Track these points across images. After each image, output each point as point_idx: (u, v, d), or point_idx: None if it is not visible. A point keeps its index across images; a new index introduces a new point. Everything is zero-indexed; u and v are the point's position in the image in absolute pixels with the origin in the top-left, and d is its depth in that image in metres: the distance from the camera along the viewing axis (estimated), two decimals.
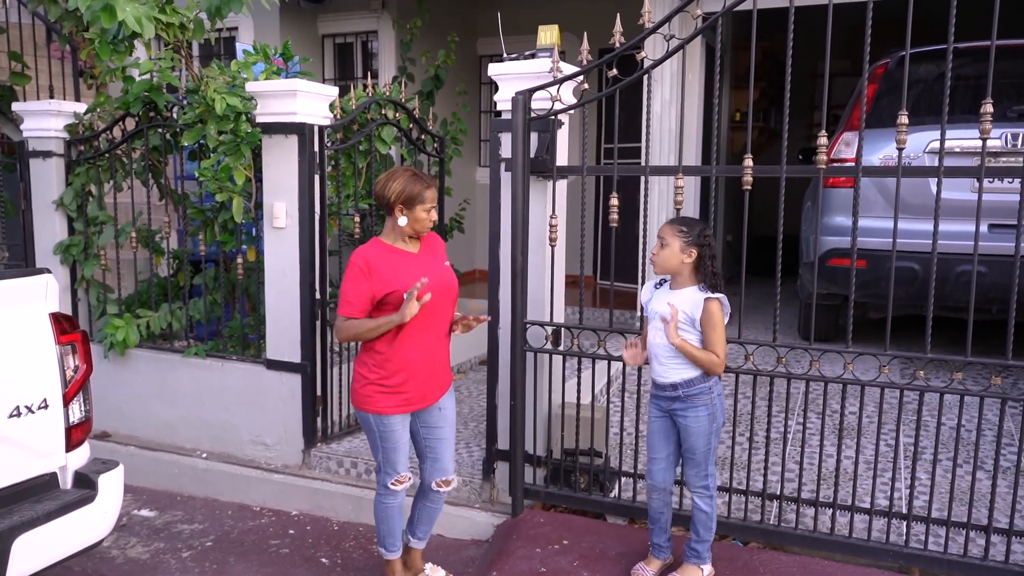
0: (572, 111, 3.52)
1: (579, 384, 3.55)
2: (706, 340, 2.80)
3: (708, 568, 2.99)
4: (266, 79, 4.42)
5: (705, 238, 2.81)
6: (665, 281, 2.94)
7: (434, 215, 2.93)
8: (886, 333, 3.06)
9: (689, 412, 2.85)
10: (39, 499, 2.67)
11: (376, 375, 2.91)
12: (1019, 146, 4.13)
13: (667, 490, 2.99)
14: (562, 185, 3.69)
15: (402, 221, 2.88)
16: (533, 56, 3.55)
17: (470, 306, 6.45)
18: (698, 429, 2.85)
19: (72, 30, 4.83)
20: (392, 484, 3.02)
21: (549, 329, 3.57)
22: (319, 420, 4.30)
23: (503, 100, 3.54)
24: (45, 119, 4.81)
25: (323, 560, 3.67)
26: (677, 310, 2.78)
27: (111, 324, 4.63)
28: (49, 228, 4.93)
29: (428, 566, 3.30)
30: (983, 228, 4.07)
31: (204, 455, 4.53)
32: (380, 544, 3.16)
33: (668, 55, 3.18)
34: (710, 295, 2.78)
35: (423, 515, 3.19)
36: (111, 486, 2.85)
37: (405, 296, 2.77)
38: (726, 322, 2.81)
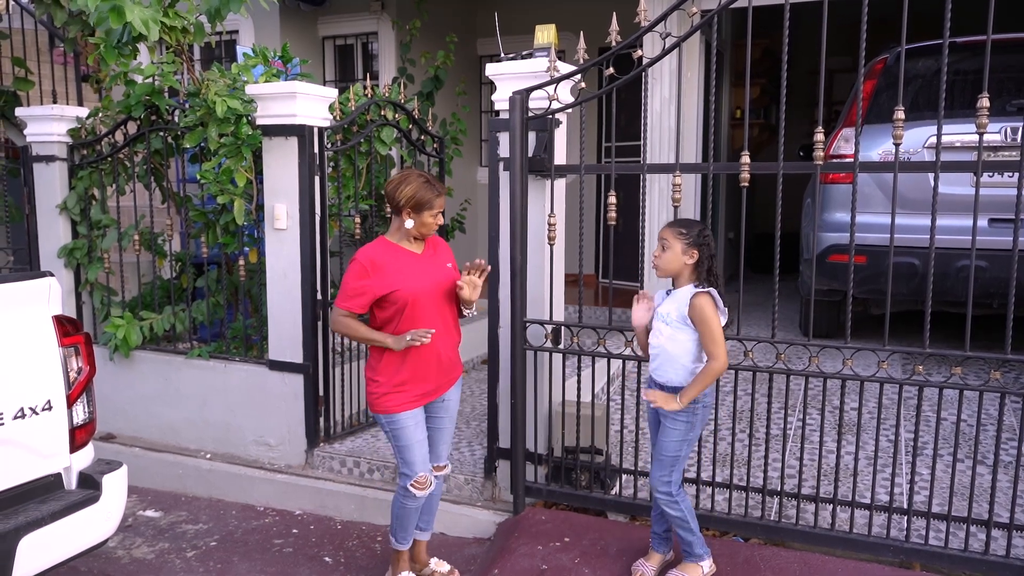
0: (569, 110, 3.53)
1: (579, 382, 3.56)
2: (700, 338, 2.80)
3: (708, 564, 3.00)
4: (266, 81, 4.45)
5: (705, 238, 2.82)
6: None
7: (440, 219, 3.02)
8: (885, 328, 3.07)
9: (668, 414, 2.86)
10: (44, 500, 2.69)
11: (383, 376, 2.99)
12: (1018, 140, 4.13)
13: None
14: (561, 184, 3.70)
15: (408, 224, 2.95)
16: (530, 56, 3.57)
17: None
18: (673, 431, 2.86)
19: (79, 34, 4.86)
20: (412, 486, 3.03)
21: (549, 328, 3.59)
22: (321, 420, 4.32)
23: (501, 100, 3.56)
24: (48, 124, 4.84)
25: (326, 559, 3.69)
26: (657, 395, 2.84)
27: (112, 323, 4.65)
28: (53, 232, 4.96)
29: (434, 560, 3.33)
30: (983, 222, 4.09)
31: (208, 456, 4.55)
32: (392, 535, 3.21)
33: (664, 53, 3.19)
34: (697, 290, 2.78)
35: (423, 504, 3.21)
36: (115, 486, 2.87)
37: (409, 337, 2.87)
38: (724, 322, 2.81)
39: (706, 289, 2.78)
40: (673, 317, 2.82)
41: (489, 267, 3.05)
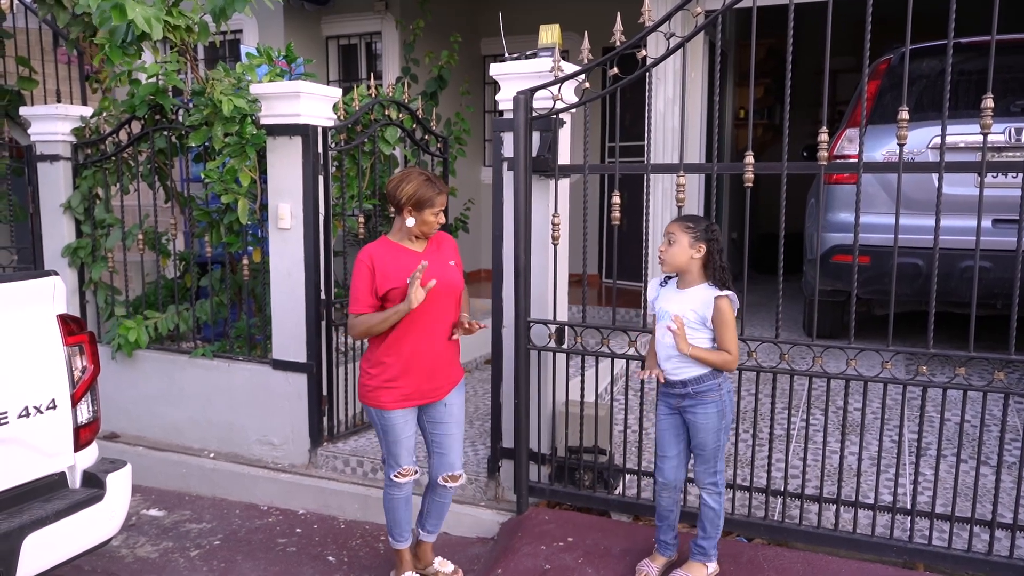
0: (573, 110, 3.53)
1: (583, 382, 3.56)
2: (718, 338, 2.81)
3: (713, 565, 3.00)
4: (270, 81, 4.45)
5: (712, 233, 2.82)
6: (671, 278, 2.95)
7: (441, 218, 3.02)
8: (889, 329, 3.06)
9: (699, 409, 2.85)
10: (48, 498, 2.69)
11: (377, 370, 2.99)
12: (1022, 141, 4.12)
13: (677, 488, 3.00)
14: (565, 184, 3.70)
15: (410, 222, 2.95)
16: (534, 55, 3.56)
17: (474, 305, 6.45)
18: (707, 425, 2.86)
19: (80, 35, 4.87)
20: (395, 476, 3.09)
21: (552, 327, 3.59)
22: (325, 420, 4.32)
23: (505, 100, 3.56)
24: (52, 123, 4.85)
25: (330, 558, 3.69)
26: (683, 321, 2.80)
27: (123, 325, 4.66)
28: (57, 231, 4.97)
29: (438, 560, 3.34)
30: (987, 223, 4.08)
31: (212, 455, 4.56)
32: (389, 533, 3.23)
33: (668, 53, 3.19)
34: (720, 293, 2.78)
35: (432, 509, 3.24)
36: (119, 485, 2.88)
37: (408, 281, 2.84)
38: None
39: (726, 293, 2.78)
40: (692, 319, 2.82)
41: (484, 326, 3.12)
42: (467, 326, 3.03)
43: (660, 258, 2.89)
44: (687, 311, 2.83)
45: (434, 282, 2.87)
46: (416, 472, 3.12)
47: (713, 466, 2.90)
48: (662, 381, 2.94)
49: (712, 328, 2.82)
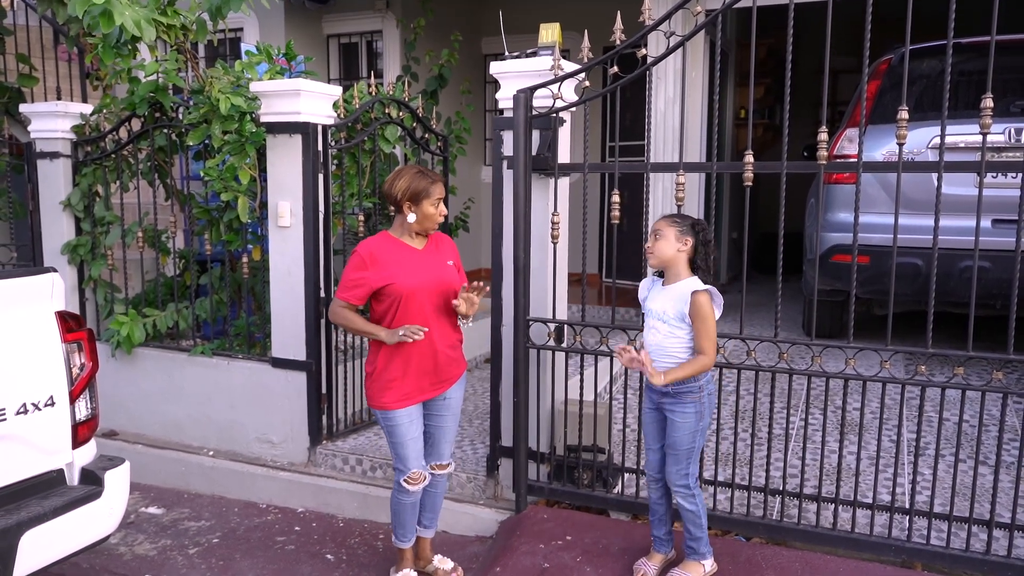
0: (573, 109, 3.54)
1: (582, 381, 3.56)
2: (694, 333, 2.80)
3: (710, 563, 3.00)
4: (270, 79, 4.45)
5: (699, 227, 2.86)
6: (662, 275, 2.96)
7: (443, 209, 3.01)
8: (888, 329, 3.07)
9: (676, 408, 2.87)
10: (46, 495, 2.69)
11: (378, 371, 3.00)
12: (1022, 141, 4.12)
13: (663, 480, 3.01)
14: (565, 183, 3.70)
15: (411, 218, 2.96)
16: (535, 54, 3.56)
17: None
18: (684, 425, 2.86)
19: (80, 32, 4.86)
20: (404, 482, 3.07)
21: (552, 326, 3.59)
22: (324, 418, 4.32)
23: (505, 98, 3.56)
24: (52, 120, 4.85)
25: (328, 556, 3.69)
26: (650, 358, 2.78)
27: (116, 320, 4.66)
28: (57, 228, 4.97)
29: (437, 558, 3.35)
30: (986, 223, 4.08)
31: (211, 453, 4.56)
32: (393, 533, 3.24)
33: (668, 52, 3.20)
34: (697, 288, 2.79)
35: (426, 501, 3.25)
36: (117, 483, 2.87)
37: (401, 332, 2.86)
38: (718, 316, 2.81)
39: (706, 287, 2.79)
40: (671, 315, 2.83)
41: (488, 288, 3.07)
42: (468, 295, 2.95)
43: (648, 252, 2.90)
44: (670, 308, 2.83)
45: (421, 336, 2.86)
46: (426, 478, 3.11)
47: (685, 468, 2.90)
48: (633, 367, 2.87)
49: (691, 324, 2.82)
